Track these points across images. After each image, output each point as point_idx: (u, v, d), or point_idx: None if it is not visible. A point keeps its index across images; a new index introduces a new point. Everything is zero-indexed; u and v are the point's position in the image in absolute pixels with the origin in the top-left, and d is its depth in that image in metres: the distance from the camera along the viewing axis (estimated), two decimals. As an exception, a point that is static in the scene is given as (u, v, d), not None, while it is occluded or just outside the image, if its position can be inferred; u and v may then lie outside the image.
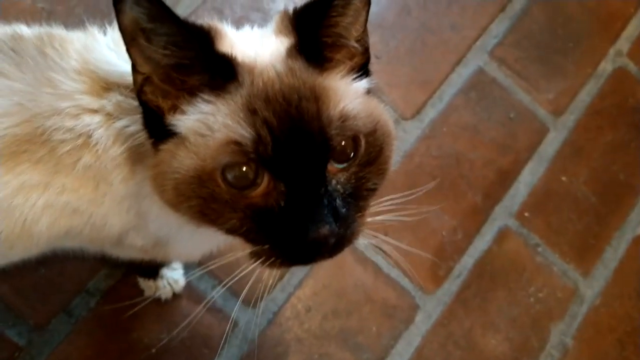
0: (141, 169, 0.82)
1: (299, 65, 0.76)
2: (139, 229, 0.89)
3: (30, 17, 1.45)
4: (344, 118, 0.75)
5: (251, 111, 0.72)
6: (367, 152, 0.78)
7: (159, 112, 0.75)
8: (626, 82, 1.79)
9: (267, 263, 0.77)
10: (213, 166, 0.73)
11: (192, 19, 1.56)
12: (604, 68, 1.78)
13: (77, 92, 0.81)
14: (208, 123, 0.73)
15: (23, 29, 0.87)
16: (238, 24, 1.56)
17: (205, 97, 0.74)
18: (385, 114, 0.83)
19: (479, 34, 1.73)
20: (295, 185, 0.73)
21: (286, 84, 0.74)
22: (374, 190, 0.80)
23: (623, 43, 1.82)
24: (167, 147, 0.76)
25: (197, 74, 0.73)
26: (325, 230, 0.73)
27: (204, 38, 0.73)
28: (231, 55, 0.74)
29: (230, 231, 0.77)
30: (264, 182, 0.73)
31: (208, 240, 0.94)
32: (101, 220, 0.86)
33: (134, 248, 0.94)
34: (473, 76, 1.69)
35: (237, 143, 0.72)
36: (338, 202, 0.75)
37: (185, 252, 1.00)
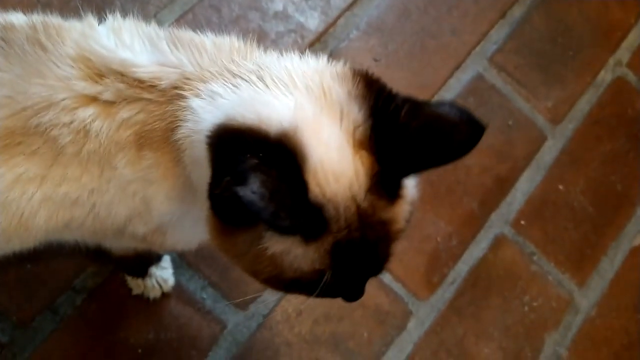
0: (150, 155, 0.81)
1: (380, 203, 0.77)
2: (143, 215, 0.87)
3: (26, 9, 1.44)
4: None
5: (333, 256, 0.76)
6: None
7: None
8: (625, 92, 1.78)
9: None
10: (289, 278, 0.79)
11: (190, 17, 1.57)
12: (603, 77, 1.77)
13: (72, 78, 0.79)
14: (293, 254, 0.76)
15: (17, 18, 0.85)
16: (235, 23, 1.56)
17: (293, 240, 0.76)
18: (415, 188, 0.84)
19: (479, 39, 1.72)
20: (345, 283, 0.81)
21: (367, 226, 0.76)
22: None
23: (623, 53, 1.81)
24: (245, 238, 0.78)
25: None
26: (362, 295, 0.86)
27: (301, 186, 0.72)
28: (322, 204, 0.73)
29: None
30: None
31: (202, 228, 0.93)
32: (106, 210, 0.85)
33: (135, 237, 0.92)
34: (472, 82, 1.67)
35: (315, 275, 0.77)
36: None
37: (184, 239, 0.98)
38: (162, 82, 0.80)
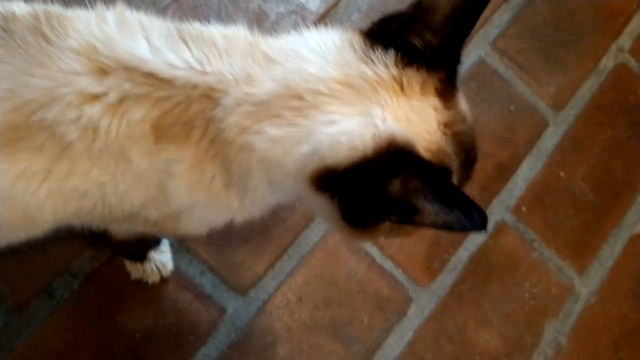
0: (171, 149, 0.79)
1: (454, 104, 0.82)
2: (158, 201, 0.85)
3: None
4: None
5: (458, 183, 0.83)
6: None
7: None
8: (627, 79, 1.76)
9: None
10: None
11: (187, -4, 1.53)
12: (605, 64, 1.76)
13: (75, 72, 0.76)
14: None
15: (19, 7, 0.82)
16: (235, 3, 1.53)
17: None
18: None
19: (482, 23, 1.69)
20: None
21: (469, 141, 0.83)
22: None
23: (625, 39, 1.79)
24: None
25: None
26: None
27: (432, 168, 0.77)
28: (441, 161, 0.79)
29: None
30: None
31: (228, 213, 0.92)
32: (119, 198, 0.83)
33: (147, 221, 0.91)
34: (474, 66, 1.65)
35: None
36: None
37: (200, 225, 0.96)
38: (176, 80, 0.78)
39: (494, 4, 1.72)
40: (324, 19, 1.59)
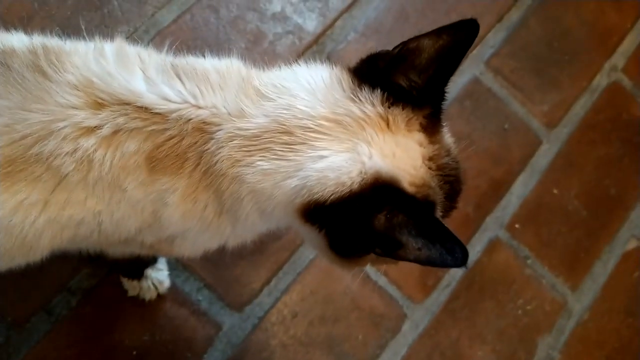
0: (165, 180, 0.81)
1: (438, 139, 0.85)
2: (153, 226, 0.87)
3: (27, 24, 1.43)
4: None
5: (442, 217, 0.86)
6: None
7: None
8: (620, 97, 1.79)
9: None
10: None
11: (187, 17, 1.56)
12: (598, 82, 1.78)
13: (71, 106, 0.78)
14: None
15: (18, 40, 0.84)
16: (233, 24, 1.56)
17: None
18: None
19: (476, 43, 1.70)
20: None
21: (453, 174, 0.85)
22: None
23: (618, 58, 1.82)
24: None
25: None
26: None
27: (415, 203, 0.80)
28: (425, 195, 0.81)
29: None
30: None
31: (221, 239, 0.94)
32: (114, 225, 0.85)
33: (143, 245, 0.93)
34: (468, 85, 1.68)
35: None
36: None
37: (194, 249, 0.98)
38: (169, 113, 0.80)
39: (488, 24, 1.74)
40: (320, 39, 1.61)
